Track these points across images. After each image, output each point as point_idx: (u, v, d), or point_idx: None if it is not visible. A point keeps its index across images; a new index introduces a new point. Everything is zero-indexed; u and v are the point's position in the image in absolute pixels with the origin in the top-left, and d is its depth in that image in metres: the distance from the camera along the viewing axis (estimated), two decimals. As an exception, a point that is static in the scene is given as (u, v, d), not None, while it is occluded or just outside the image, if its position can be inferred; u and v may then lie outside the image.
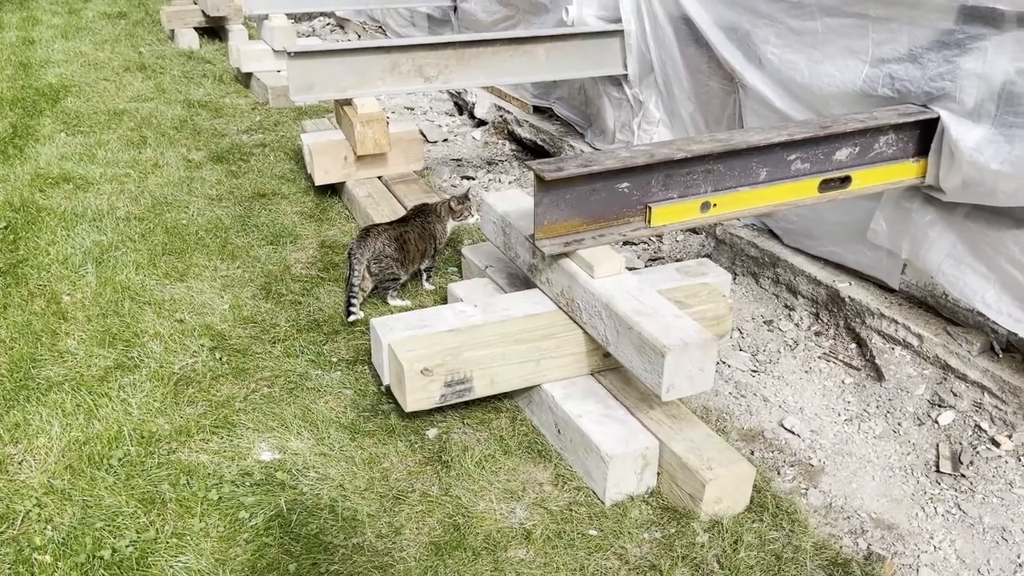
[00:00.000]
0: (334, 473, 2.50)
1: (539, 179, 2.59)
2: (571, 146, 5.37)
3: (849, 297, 3.55)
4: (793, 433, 2.98)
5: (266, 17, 6.40)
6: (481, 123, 6.40)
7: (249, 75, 6.42)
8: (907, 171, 3.16)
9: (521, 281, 3.35)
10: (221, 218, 4.17)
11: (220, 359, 3.01)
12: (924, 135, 3.14)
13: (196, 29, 7.87)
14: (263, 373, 2.97)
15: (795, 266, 3.81)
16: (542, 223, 2.67)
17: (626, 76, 4.79)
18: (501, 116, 6.15)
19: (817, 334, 3.66)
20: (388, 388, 2.74)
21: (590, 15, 4.87)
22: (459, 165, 5.29)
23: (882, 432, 3.01)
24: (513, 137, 6.09)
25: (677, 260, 4.29)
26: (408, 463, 2.56)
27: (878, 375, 3.32)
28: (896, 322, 3.36)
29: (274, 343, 3.15)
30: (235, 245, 3.90)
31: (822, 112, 3.55)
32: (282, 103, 6.11)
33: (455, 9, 6.86)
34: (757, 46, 3.87)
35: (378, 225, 3.50)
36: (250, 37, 8.05)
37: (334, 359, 3.08)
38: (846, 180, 3.09)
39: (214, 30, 8.08)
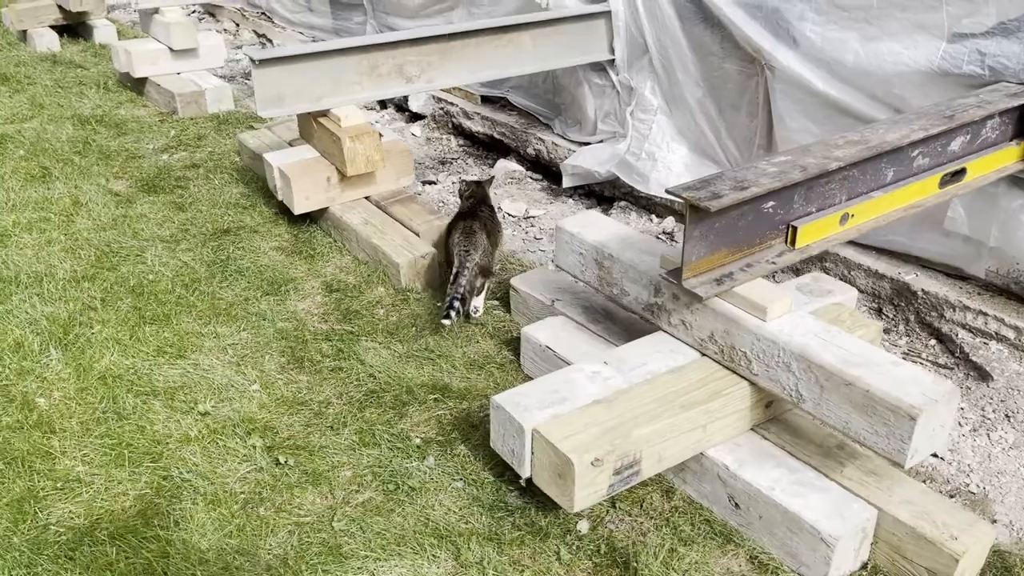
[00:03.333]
0: (501, 605, 1.99)
1: (694, 209, 2.15)
2: (539, 139, 4.91)
3: (922, 290, 3.31)
4: (937, 455, 2.70)
5: (156, 11, 5.50)
6: (415, 117, 5.81)
7: (143, 80, 5.53)
8: (1009, 155, 2.92)
9: (603, 315, 2.90)
10: (190, 266, 3.45)
11: (283, 463, 2.40)
12: (1022, 116, 2.91)
13: (53, 27, 6.78)
14: (344, 473, 2.38)
15: (848, 259, 3.54)
16: (690, 259, 2.23)
17: (612, 61, 4.36)
18: (443, 109, 5.58)
19: (886, 331, 3.40)
20: (529, 481, 2.24)
21: (568, -5, 4.40)
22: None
23: (1015, 441, 2.78)
24: (460, 131, 5.54)
25: None
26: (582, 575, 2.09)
27: (980, 374, 3.09)
28: (985, 314, 3.14)
29: (336, 429, 2.56)
30: (225, 301, 3.21)
31: (879, 94, 3.26)
32: (192, 111, 5.29)
33: (368, -9, 6.19)
34: (791, 23, 3.53)
35: (471, 216, 3.27)
36: (120, 34, 7.03)
37: (418, 440, 2.53)
38: (961, 172, 2.81)
39: (73, 28, 7.00)
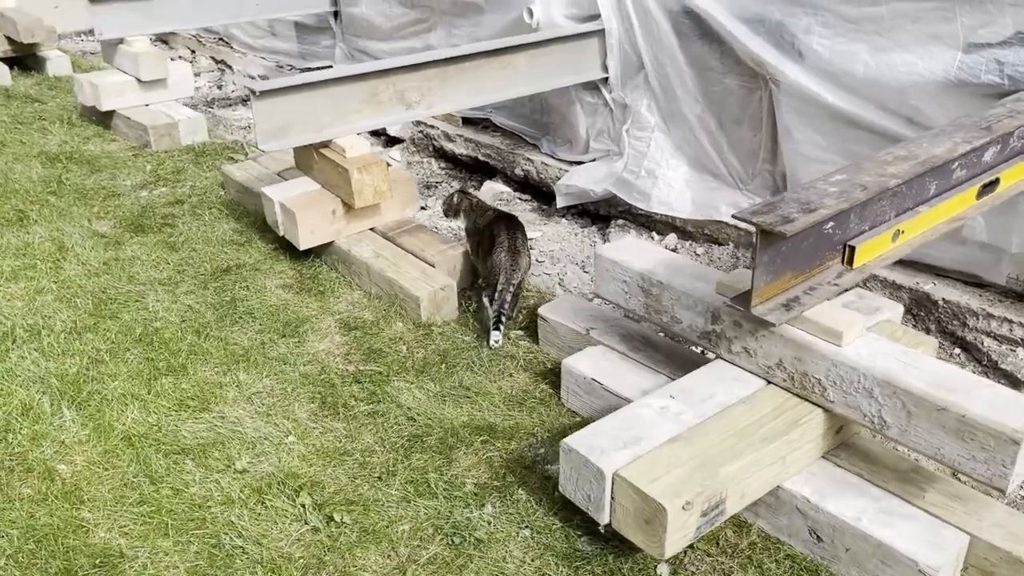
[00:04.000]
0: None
1: (764, 234, 2.09)
2: (528, 159, 4.84)
3: (943, 299, 3.31)
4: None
5: (120, 41, 5.29)
6: (393, 140, 5.69)
7: (110, 113, 5.30)
8: (1034, 163, 2.93)
9: (643, 342, 2.82)
10: (196, 310, 3.28)
11: (338, 521, 2.26)
12: (1044, 123, 2.92)
13: (2, 60, 6.48)
14: (403, 528, 2.26)
15: (864, 270, 3.53)
16: (760, 285, 2.17)
17: (605, 79, 4.32)
18: (422, 132, 5.47)
19: (909, 341, 3.38)
20: (607, 527, 2.14)
21: (559, 14, 4.34)
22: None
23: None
24: (441, 154, 5.44)
25: None
26: (674, 623, 2.00)
27: (1012, 382, 3.09)
28: (1010, 321, 3.15)
29: (385, 479, 2.43)
30: (241, 346, 3.05)
31: (891, 105, 3.26)
32: (166, 144, 5.08)
33: (336, 15, 6.05)
34: (796, 37, 3.52)
35: (511, 228, 3.27)
36: (74, 64, 6.77)
37: (472, 486, 2.42)
38: (995, 183, 2.81)
39: (23, 60, 6.70)
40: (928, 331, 3.38)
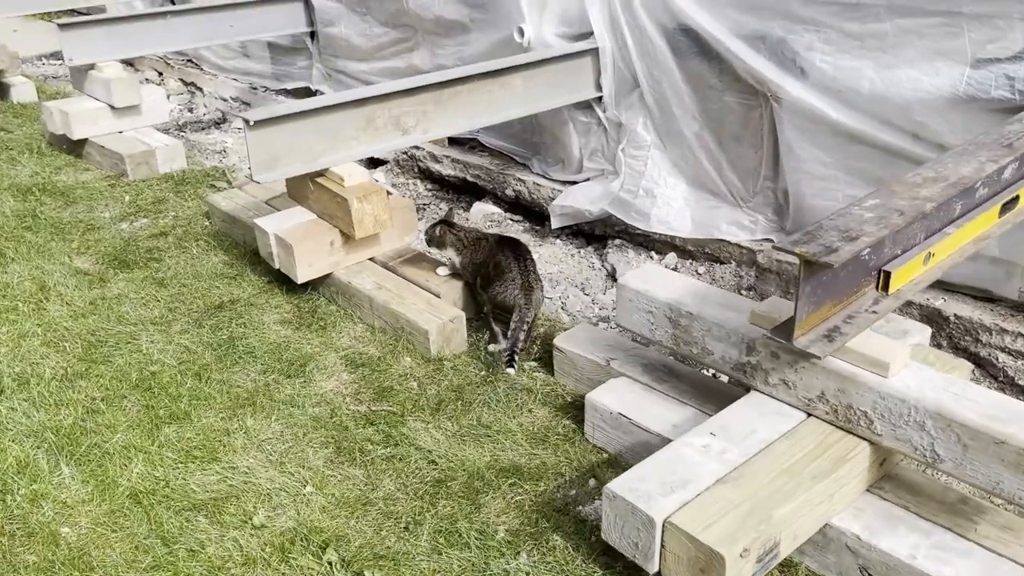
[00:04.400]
0: None
1: (807, 264, 2.02)
2: (519, 179, 4.76)
3: (954, 315, 3.28)
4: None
5: (91, 67, 5.11)
6: (376, 162, 5.57)
7: (82, 142, 5.12)
8: (1048, 178, 2.91)
9: (666, 372, 2.74)
10: (193, 351, 3.13)
11: (369, 577, 2.14)
12: (1056, 137, 2.90)
13: (-38, 88, 6.26)
14: (438, 583, 2.15)
15: (872, 288, 3.49)
16: (802, 317, 2.10)
17: (599, 98, 4.25)
18: (407, 153, 5.36)
19: (921, 358, 3.35)
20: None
21: (550, 33, 4.27)
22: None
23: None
24: (427, 176, 5.34)
25: None
26: (734, 675, 1.91)
27: (1030, 397, 3.06)
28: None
29: (412, 530, 2.31)
30: (244, 389, 2.92)
31: (897, 121, 3.23)
32: (143, 173, 4.91)
33: (313, 35, 5.93)
34: (798, 54, 3.49)
35: (523, 265, 3.18)
36: (39, 91, 6.55)
37: (503, 532, 2.31)
38: (1015, 200, 2.77)
39: (-17, 87, 6.48)
40: (940, 347, 3.34)
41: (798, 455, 2.12)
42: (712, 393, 2.63)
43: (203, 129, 6.43)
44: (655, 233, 4.13)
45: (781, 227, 3.84)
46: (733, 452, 2.13)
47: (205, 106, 6.99)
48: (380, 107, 3.50)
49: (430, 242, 3.51)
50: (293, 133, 3.30)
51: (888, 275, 2.29)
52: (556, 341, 2.97)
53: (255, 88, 6.63)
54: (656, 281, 2.58)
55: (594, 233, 4.52)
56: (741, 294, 3.83)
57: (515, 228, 4.76)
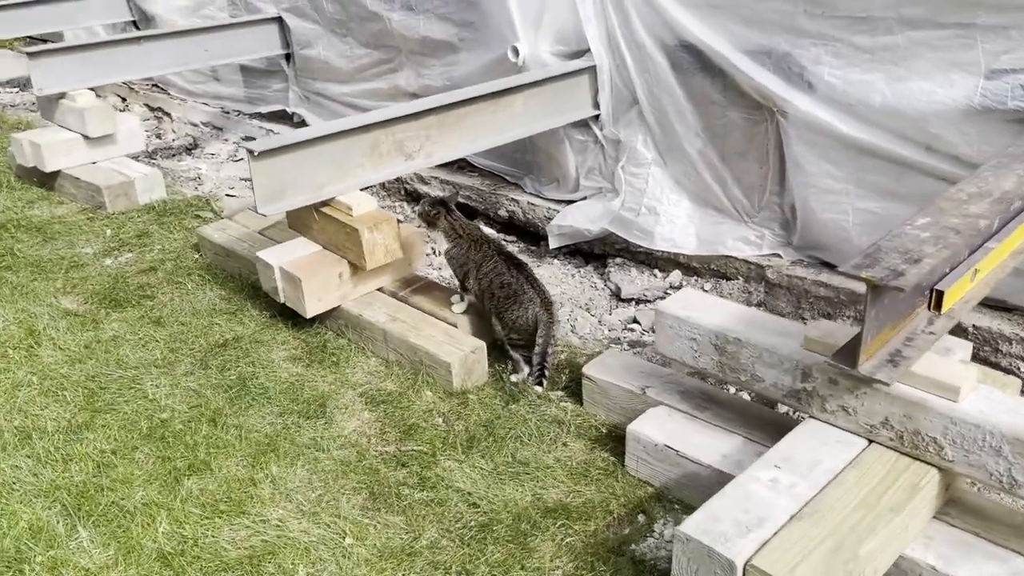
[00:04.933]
0: None
1: (874, 288, 1.97)
2: (513, 199, 4.67)
3: (972, 325, 3.27)
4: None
5: (62, 96, 4.91)
6: (359, 185, 5.43)
7: (54, 174, 4.91)
8: (1071, 188, 2.91)
9: (705, 399, 2.67)
10: (202, 394, 2.98)
11: (428, 635, 2.02)
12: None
13: (-80, 121, 5.99)
14: (502, 637, 2.03)
15: (887, 301, 3.47)
16: (867, 342, 2.05)
17: (596, 116, 4.19)
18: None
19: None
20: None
21: (546, 52, 4.20)
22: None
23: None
24: (415, 197, 5.23)
25: None
26: None
27: (1057, 407, 3.05)
28: (1046, 345, 3.13)
29: (464, 579, 2.20)
30: (263, 433, 2.77)
31: (911, 134, 3.21)
32: (122, 205, 4.72)
33: (289, 57, 5.79)
34: (805, 68, 3.46)
35: (535, 283, 3.11)
36: (1, 122, 6.30)
37: (560, 578, 2.21)
38: (1047, 212, 2.76)
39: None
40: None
41: (869, 485, 2.05)
42: (756, 419, 2.57)
43: (174, 156, 6.23)
44: (658, 251, 4.08)
45: (788, 242, 3.81)
46: (802, 485, 2.06)
47: (174, 132, 6.79)
48: (384, 132, 3.39)
49: (421, 217, 3.32)
50: (298, 163, 3.18)
51: (941, 294, 2.24)
52: (586, 370, 2.88)
53: (227, 112, 6.45)
54: (698, 307, 2.51)
55: (593, 252, 4.44)
56: (752, 311, 3.79)
57: (511, 249, 4.65)
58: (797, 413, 2.82)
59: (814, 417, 2.30)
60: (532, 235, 4.65)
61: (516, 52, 4.19)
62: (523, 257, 4.47)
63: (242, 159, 6.04)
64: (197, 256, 4.07)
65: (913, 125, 3.21)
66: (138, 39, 5.13)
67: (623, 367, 2.86)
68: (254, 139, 6.19)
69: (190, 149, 6.43)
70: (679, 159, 3.99)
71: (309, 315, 3.26)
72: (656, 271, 4.20)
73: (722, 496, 2.05)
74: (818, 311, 3.67)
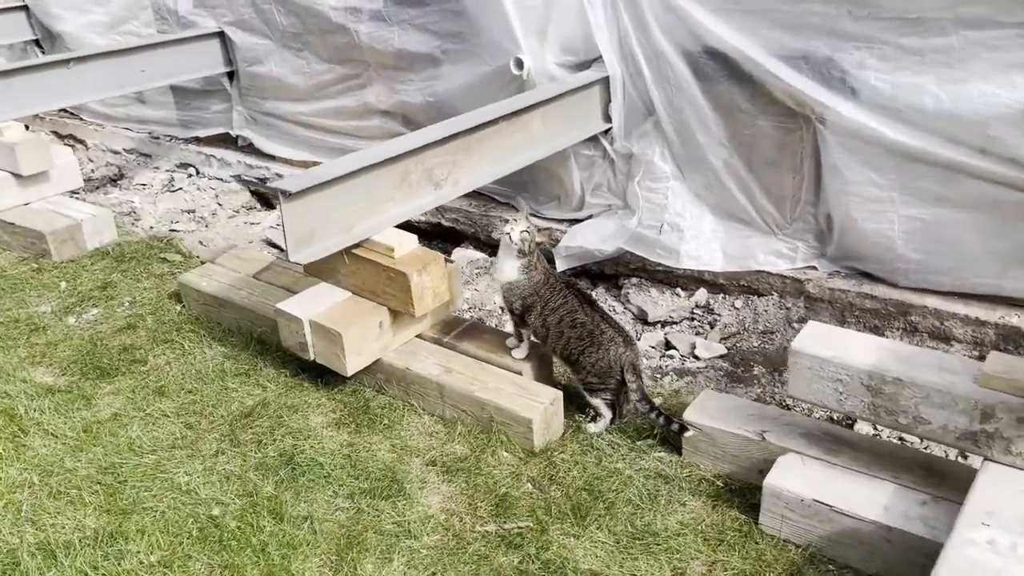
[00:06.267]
0: None
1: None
2: (505, 220, 4.36)
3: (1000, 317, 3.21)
4: None
5: (-14, 130, 4.28)
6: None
7: (-18, 220, 4.28)
8: None
9: (834, 441, 2.45)
10: (247, 479, 2.54)
11: None
12: None
13: None
14: None
15: (940, 309, 3.38)
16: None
17: (607, 130, 3.94)
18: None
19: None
20: None
21: (552, 63, 3.91)
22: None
23: None
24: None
25: (733, 332, 3.59)
26: None
27: None
28: (1112, 348, 3.08)
29: None
30: (335, 522, 2.37)
31: (967, 138, 3.11)
32: (70, 252, 4.14)
33: (232, 76, 5.28)
34: (847, 73, 3.31)
35: (608, 317, 2.83)
36: None
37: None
38: None
39: None
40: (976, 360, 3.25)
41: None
42: (895, 460, 2.36)
43: (97, 188, 5.61)
44: (680, 268, 3.86)
45: (822, 253, 3.67)
46: None
47: (92, 161, 6.14)
48: (414, 161, 3.03)
49: (520, 249, 2.80)
50: (326, 202, 2.77)
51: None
52: (687, 416, 2.61)
53: (156, 138, 5.86)
54: (842, 345, 2.28)
55: (603, 273, 4.19)
56: (792, 327, 3.62)
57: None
58: (964, 454, 2.66)
59: (992, 460, 2.10)
60: (530, 258, 4.34)
61: (520, 64, 3.88)
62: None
63: (180, 188, 5.49)
64: (180, 308, 3.57)
65: (970, 128, 3.10)
66: (66, 61, 4.53)
67: (728, 410, 2.61)
68: (192, 166, 5.64)
69: (115, 180, 5.83)
70: (701, 171, 3.78)
71: (350, 372, 2.86)
72: (679, 290, 3.98)
73: (945, 569, 1.82)
74: (864, 324, 3.53)
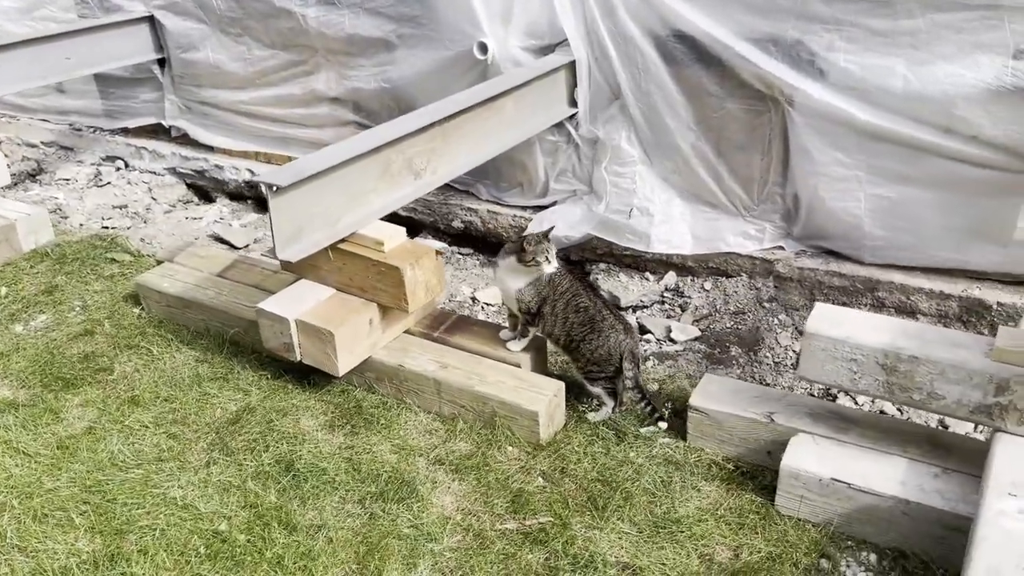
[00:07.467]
0: None
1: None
2: (469, 209, 4.32)
3: (997, 302, 3.34)
4: None
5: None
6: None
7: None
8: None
9: (842, 420, 2.49)
10: (245, 489, 2.41)
11: None
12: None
13: None
14: None
15: (905, 284, 3.49)
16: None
17: (572, 115, 3.90)
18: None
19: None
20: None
21: (516, 47, 3.84)
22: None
23: None
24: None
25: (705, 315, 3.63)
26: None
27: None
28: (1068, 317, 3.23)
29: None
30: (351, 530, 2.28)
31: (934, 118, 3.19)
32: (5, 254, 3.87)
33: (162, 63, 5.02)
34: (816, 55, 3.36)
35: (608, 304, 2.79)
36: None
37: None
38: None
39: None
40: (983, 335, 3.37)
41: (1113, 501, 1.94)
42: (903, 435, 2.42)
43: (16, 185, 5.26)
44: (650, 253, 3.87)
45: (789, 233, 3.73)
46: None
47: (6, 155, 5.74)
48: (395, 151, 2.92)
49: (515, 252, 2.74)
50: (312, 196, 2.65)
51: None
52: (693, 401, 2.60)
53: (79, 129, 5.53)
54: (855, 325, 2.30)
55: (568, 259, 4.16)
56: (763, 306, 3.68)
57: (469, 263, 4.30)
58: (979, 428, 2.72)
59: (1005, 431, 2.16)
60: (493, 246, 4.29)
61: (484, 49, 3.80)
62: (482, 272, 4.13)
63: (108, 183, 5.20)
64: (139, 311, 3.37)
65: (937, 108, 3.18)
66: (-18, 49, 4.21)
67: (731, 393, 2.62)
68: (120, 159, 5.36)
69: (33, 175, 5.48)
70: (668, 155, 3.78)
71: (341, 372, 2.75)
72: (648, 274, 3.99)
73: (984, 545, 1.86)
74: (832, 301, 3.60)
